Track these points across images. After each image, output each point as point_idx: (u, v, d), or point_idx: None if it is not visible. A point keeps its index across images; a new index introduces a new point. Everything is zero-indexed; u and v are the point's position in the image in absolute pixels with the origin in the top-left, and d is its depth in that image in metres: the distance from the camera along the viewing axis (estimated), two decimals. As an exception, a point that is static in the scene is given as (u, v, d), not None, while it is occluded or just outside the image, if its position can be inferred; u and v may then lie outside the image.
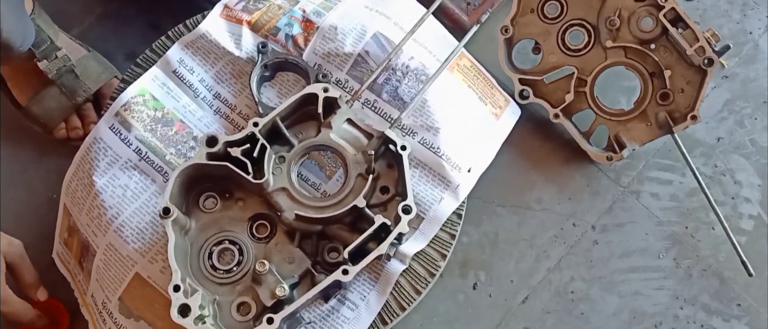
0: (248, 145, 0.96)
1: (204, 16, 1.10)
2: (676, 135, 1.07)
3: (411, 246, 1.00)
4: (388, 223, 0.93)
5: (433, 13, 1.09)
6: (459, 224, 1.05)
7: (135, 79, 1.07)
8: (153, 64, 1.08)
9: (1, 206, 1.15)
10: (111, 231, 0.99)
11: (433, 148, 1.03)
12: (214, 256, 0.95)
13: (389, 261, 0.97)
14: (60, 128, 1.16)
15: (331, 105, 1.01)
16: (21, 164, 1.19)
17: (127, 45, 1.25)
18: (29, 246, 1.11)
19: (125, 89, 1.06)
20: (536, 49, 1.12)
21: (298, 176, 1.02)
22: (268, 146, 0.97)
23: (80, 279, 1.04)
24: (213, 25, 1.08)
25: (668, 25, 1.04)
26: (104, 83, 1.17)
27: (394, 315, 1.01)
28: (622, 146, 1.09)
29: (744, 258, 1.05)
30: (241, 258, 0.95)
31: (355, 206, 0.95)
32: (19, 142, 1.20)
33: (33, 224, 1.14)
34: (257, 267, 0.92)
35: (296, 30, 1.07)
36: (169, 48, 1.09)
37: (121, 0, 1.29)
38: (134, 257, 0.98)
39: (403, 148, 0.97)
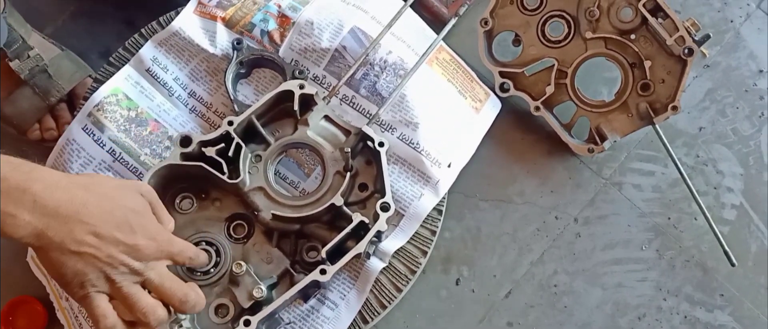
0: (223, 144, 0.95)
1: (178, 13, 1.08)
2: (657, 126, 1.07)
3: (391, 244, 0.99)
4: (367, 221, 0.92)
5: (411, 6, 1.08)
6: (440, 220, 1.04)
7: (108, 79, 1.05)
8: (126, 63, 1.06)
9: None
10: (86, 234, 0.97)
11: (413, 143, 1.02)
12: (191, 258, 0.94)
13: (369, 259, 0.96)
14: (34, 129, 1.14)
15: (308, 102, 1.00)
16: None
17: (102, 43, 1.23)
18: (4, 250, 1.10)
19: (98, 88, 1.05)
20: (516, 41, 1.11)
21: (276, 174, 1.01)
22: (243, 145, 0.95)
23: (55, 283, 1.03)
24: (187, 21, 1.07)
25: (648, 15, 1.03)
26: (78, 82, 1.15)
27: (375, 313, 1.00)
28: (603, 138, 1.08)
29: (727, 248, 1.04)
30: (218, 259, 0.94)
31: (332, 205, 0.93)
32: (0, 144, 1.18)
33: (8, 227, 1.12)
34: (234, 268, 0.91)
35: (272, 26, 1.05)
36: (142, 46, 1.07)
37: (95, -3, 1.27)
38: (110, 260, 0.97)
39: (381, 144, 0.96)
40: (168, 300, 0.77)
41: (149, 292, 0.77)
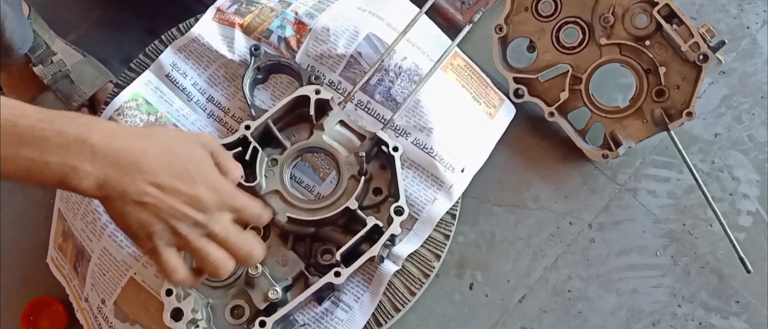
0: (240, 148, 0.96)
1: (197, 20, 1.10)
2: (672, 132, 1.07)
3: (405, 247, 1.00)
4: (381, 224, 0.93)
5: (426, 13, 1.09)
6: (453, 224, 1.05)
7: (128, 84, 1.07)
8: (146, 69, 1.09)
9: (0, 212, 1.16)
10: (105, 236, 0.99)
11: (426, 148, 1.03)
12: (208, 259, 0.95)
13: (382, 262, 0.97)
14: (57, 133, 1.16)
15: (324, 107, 1.01)
16: (19, 170, 1.19)
17: (123, 50, 1.26)
18: (27, 252, 1.12)
19: (118, 93, 1.07)
20: (531, 47, 1.12)
21: (292, 178, 1.02)
22: (260, 149, 0.97)
23: (75, 283, 1.05)
24: (205, 28, 1.09)
25: (662, 22, 1.03)
26: (99, 87, 1.18)
27: (389, 316, 1.00)
28: (618, 144, 1.08)
29: (742, 255, 1.04)
30: (234, 261, 0.95)
31: (347, 208, 0.94)
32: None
33: (30, 229, 1.15)
34: (250, 270, 0.92)
35: (289, 32, 1.07)
36: (162, 52, 1.09)
37: (117, 6, 1.30)
38: (129, 261, 0.99)
39: (396, 149, 0.97)
40: (233, 254, 0.75)
41: None
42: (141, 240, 0.70)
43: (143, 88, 1.07)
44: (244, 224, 0.78)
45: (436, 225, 1.03)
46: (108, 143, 0.65)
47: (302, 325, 0.98)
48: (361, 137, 1.01)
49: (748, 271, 1.04)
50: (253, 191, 0.97)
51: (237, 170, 0.79)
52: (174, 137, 0.73)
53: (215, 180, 0.73)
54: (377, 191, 0.99)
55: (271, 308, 0.92)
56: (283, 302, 0.92)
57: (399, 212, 0.94)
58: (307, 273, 0.95)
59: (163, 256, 0.71)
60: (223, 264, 0.73)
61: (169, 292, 0.88)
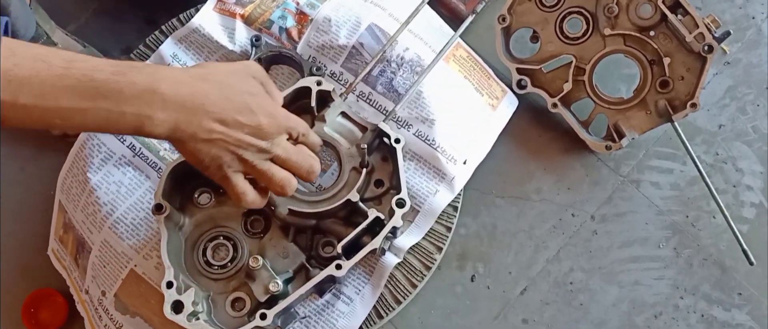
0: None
1: (197, 11, 1.10)
2: (676, 123, 1.06)
3: (406, 239, 1.00)
4: (382, 217, 0.93)
5: (429, 3, 1.08)
6: (455, 216, 1.05)
7: (129, 75, 1.07)
8: (146, 59, 1.08)
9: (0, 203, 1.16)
10: (106, 228, 0.99)
11: (429, 140, 1.02)
12: (209, 252, 0.95)
13: (384, 254, 0.96)
14: (57, 125, 1.16)
15: (325, 98, 1.00)
16: (19, 162, 1.19)
17: (123, 40, 1.25)
18: (27, 244, 1.12)
19: (119, 84, 1.06)
20: (534, 37, 1.11)
21: (293, 169, 1.02)
22: (260, 141, 0.96)
23: (76, 275, 1.05)
24: (206, 18, 1.08)
25: (667, 12, 1.02)
26: (100, 78, 1.17)
27: (390, 308, 1.00)
28: (621, 135, 1.07)
29: (745, 247, 1.03)
30: (235, 253, 0.95)
31: (348, 201, 0.94)
32: (17, 140, 1.20)
33: (31, 221, 1.14)
34: (251, 263, 0.92)
35: (290, 22, 1.06)
36: (162, 43, 1.08)
37: (117, -5, 1.29)
38: (129, 253, 0.98)
39: (397, 141, 0.96)
40: (296, 172, 0.81)
41: None
42: (212, 171, 0.76)
43: (143, 79, 1.06)
44: (300, 143, 0.84)
45: (438, 217, 1.02)
46: (175, 90, 0.69)
47: (303, 317, 0.98)
48: (363, 129, 1.00)
49: (751, 263, 1.03)
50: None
51: (280, 95, 0.84)
52: (228, 72, 0.77)
53: (270, 108, 0.77)
54: (379, 183, 0.98)
55: (272, 300, 0.91)
56: (284, 294, 0.92)
57: (401, 204, 0.93)
58: (308, 265, 0.95)
59: (233, 181, 0.77)
60: (288, 182, 0.80)
61: (169, 284, 0.88)
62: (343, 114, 1.01)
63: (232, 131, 0.73)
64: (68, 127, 0.68)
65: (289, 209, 0.94)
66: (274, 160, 0.79)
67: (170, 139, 0.72)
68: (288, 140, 0.80)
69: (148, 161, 1.02)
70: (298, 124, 0.81)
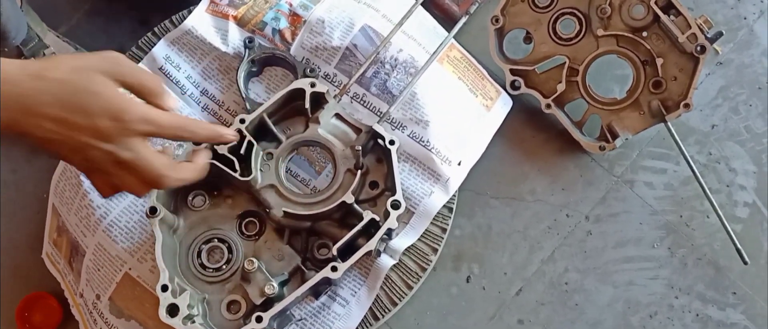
0: (235, 142, 0.95)
1: (190, 12, 1.09)
2: (669, 123, 1.06)
3: (402, 241, 1.00)
4: (377, 219, 0.93)
5: (422, 5, 1.08)
6: (450, 217, 1.05)
7: (122, 77, 1.06)
8: (139, 62, 1.07)
9: (-8, 207, 1.16)
10: (100, 231, 0.99)
11: (423, 141, 1.02)
12: (203, 254, 0.95)
13: (379, 256, 0.96)
14: (49, 127, 1.15)
15: (319, 100, 1.00)
16: (12, 164, 1.18)
17: (116, 42, 1.24)
18: (20, 246, 1.11)
19: (112, 87, 1.05)
20: (527, 38, 1.11)
21: (287, 172, 1.02)
22: (255, 143, 0.96)
23: (70, 279, 1.04)
24: (199, 20, 1.07)
25: (660, 13, 1.02)
26: (92, 80, 1.16)
27: (386, 310, 1.00)
28: (614, 136, 1.07)
29: (739, 246, 1.04)
30: (230, 256, 0.95)
31: (343, 202, 0.94)
32: (10, 142, 1.19)
33: (24, 224, 1.14)
34: (246, 265, 0.91)
35: (283, 24, 1.06)
36: (154, 44, 1.08)
37: (109, -4, 1.28)
38: (123, 256, 0.98)
39: (392, 143, 0.96)
40: (141, 179, 0.74)
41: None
42: (70, 164, 0.74)
43: (136, 81, 1.06)
44: (177, 140, 0.79)
45: (433, 219, 1.02)
46: (6, 89, 0.65)
47: (299, 320, 0.98)
48: (357, 131, 1.00)
49: (745, 262, 1.04)
50: (249, 186, 0.96)
51: (168, 96, 0.76)
52: (71, 68, 0.70)
53: (118, 107, 0.70)
54: (374, 185, 0.98)
55: (268, 303, 0.91)
56: (279, 297, 0.91)
57: (396, 205, 0.93)
58: (303, 267, 0.95)
59: (90, 178, 0.75)
60: (133, 189, 0.74)
61: (164, 288, 0.88)
62: (338, 116, 1.01)
63: (69, 132, 0.68)
64: None
65: (284, 211, 0.94)
66: (121, 164, 0.72)
67: (9, 137, 0.69)
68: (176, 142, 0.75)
69: (141, 163, 1.01)
70: (165, 121, 0.73)
